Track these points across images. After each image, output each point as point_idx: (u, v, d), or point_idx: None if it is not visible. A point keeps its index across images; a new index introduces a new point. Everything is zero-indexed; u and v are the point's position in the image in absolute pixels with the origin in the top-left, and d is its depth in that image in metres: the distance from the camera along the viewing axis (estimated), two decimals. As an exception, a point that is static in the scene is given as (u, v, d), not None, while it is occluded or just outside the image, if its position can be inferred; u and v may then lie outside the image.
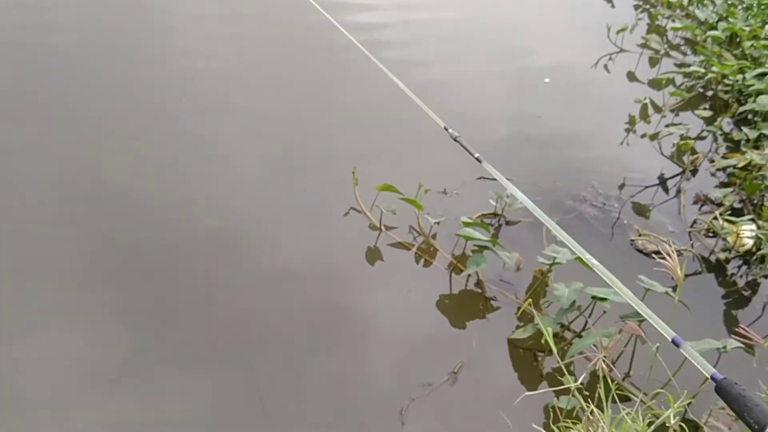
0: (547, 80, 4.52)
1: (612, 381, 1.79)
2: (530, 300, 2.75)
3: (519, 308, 2.86)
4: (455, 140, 2.27)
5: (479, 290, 2.98)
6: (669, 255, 1.93)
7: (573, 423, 1.55)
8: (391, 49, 4.70)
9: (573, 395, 1.66)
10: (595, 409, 1.47)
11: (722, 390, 1.16)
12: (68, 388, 2.36)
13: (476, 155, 2.17)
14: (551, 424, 1.68)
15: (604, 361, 1.63)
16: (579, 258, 2.69)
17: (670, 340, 1.28)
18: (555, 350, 1.93)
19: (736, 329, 2.02)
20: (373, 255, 3.13)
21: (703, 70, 4.67)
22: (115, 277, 2.81)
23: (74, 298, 2.69)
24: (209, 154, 3.58)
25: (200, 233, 3.08)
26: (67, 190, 3.20)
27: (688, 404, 2.30)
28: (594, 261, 1.53)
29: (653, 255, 3.22)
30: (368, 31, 4.85)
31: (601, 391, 1.52)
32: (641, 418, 1.46)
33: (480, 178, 3.50)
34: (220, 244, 3.03)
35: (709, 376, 1.18)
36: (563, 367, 1.85)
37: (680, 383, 2.05)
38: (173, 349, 2.55)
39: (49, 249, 2.88)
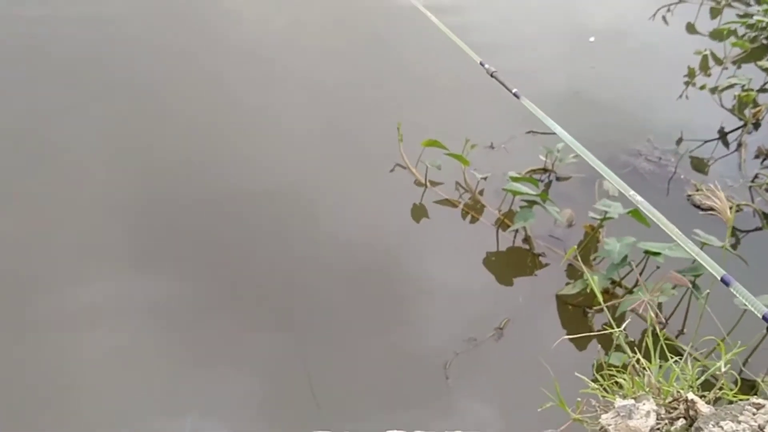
0: (592, 39, 4.34)
1: (661, 331, 1.72)
2: (577, 253, 2.67)
3: (568, 264, 2.79)
4: (491, 75, 2.18)
5: (527, 246, 2.90)
6: (717, 196, 1.82)
7: (619, 371, 1.49)
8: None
9: (618, 341, 1.59)
10: (641, 359, 1.40)
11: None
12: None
13: (514, 90, 2.09)
14: (596, 372, 1.61)
15: (650, 305, 1.55)
16: (633, 212, 2.62)
17: (719, 278, 1.20)
18: (604, 306, 1.85)
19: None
20: (418, 212, 3.08)
21: (766, 20, 4.44)
22: (169, 237, 2.84)
23: (133, 255, 2.73)
24: (262, 118, 3.57)
25: (253, 192, 3.08)
26: (124, 154, 3.22)
27: (744, 363, 2.21)
28: (638, 197, 1.44)
29: (711, 211, 3.10)
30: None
31: (649, 341, 1.45)
32: (691, 368, 1.39)
33: (530, 132, 3.40)
34: (271, 202, 3.04)
35: (761, 316, 1.10)
36: (613, 323, 1.77)
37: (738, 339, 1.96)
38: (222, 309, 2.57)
39: (110, 206, 2.93)
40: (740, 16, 4.83)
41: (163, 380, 2.30)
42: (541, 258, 2.87)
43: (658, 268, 2.55)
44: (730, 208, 2.91)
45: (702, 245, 2.48)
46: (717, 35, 4.54)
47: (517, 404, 2.15)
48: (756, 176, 3.34)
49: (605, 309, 1.88)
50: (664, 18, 4.85)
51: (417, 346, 2.48)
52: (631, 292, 2.60)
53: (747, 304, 1.12)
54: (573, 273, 2.78)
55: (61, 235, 2.76)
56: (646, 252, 2.50)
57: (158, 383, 2.29)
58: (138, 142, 3.30)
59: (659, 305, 2.41)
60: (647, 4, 4.96)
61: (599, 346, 2.25)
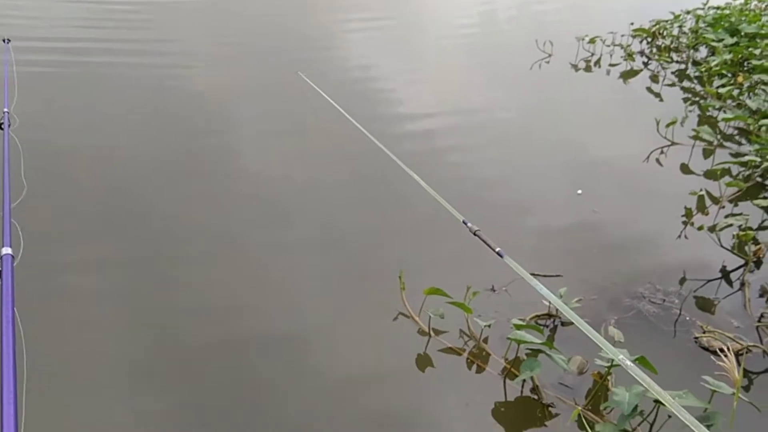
0: (579, 192, 4.44)
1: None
2: (587, 406, 2.61)
3: (579, 415, 2.71)
4: (475, 234, 2.21)
5: (536, 396, 2.84)
6: (726, 353, 1.80)
7: None
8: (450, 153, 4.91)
9: None
10: None
11: None
12: None
13: (497, 249, 2.12)
14: None
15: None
16: (641, 358, 2.59)
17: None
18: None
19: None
20: (423, 361, 3.04)
21: (759, 159, 4.55)
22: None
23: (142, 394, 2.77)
24: (268, 265, 3.67)
25: (257, 337, 3.13)
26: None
27: None
28: (628, 362, 1.42)
29: (719, 352, 3.05)
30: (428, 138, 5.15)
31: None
32: None
33: (532, 274, 3.41)
34: (274, 348, 3.06)
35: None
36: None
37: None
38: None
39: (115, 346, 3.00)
40: (733, 155, 4.96)
41: None
42: (550, 408, 2.80)
43: (669, 417, 2.49)
44: (739, 354, 2.89)
45: (712, 393, 2.44)
46: (711, 175, 4.65)
47: None
48: (762, 316, 3.31)
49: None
50: (657, 160, 4.97)
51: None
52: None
53: None
54: (584, 424, 2.70)
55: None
56: (657, 401, 2.44)
57: None
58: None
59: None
60: (641, 147, 5.11)
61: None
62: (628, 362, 1.44)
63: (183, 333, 3.13)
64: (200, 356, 3.02)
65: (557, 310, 3.23)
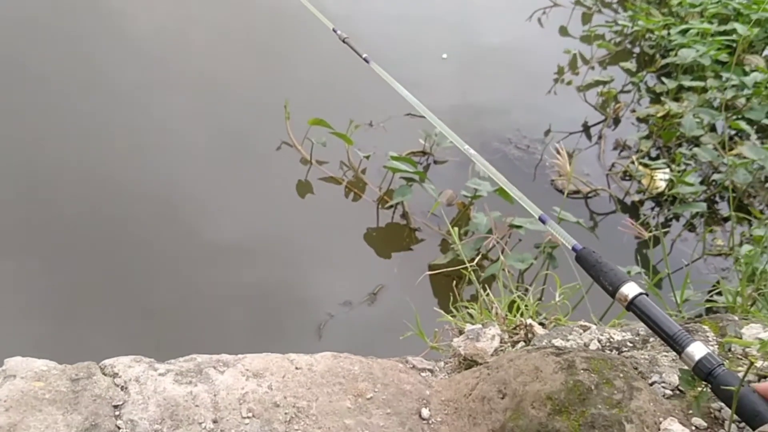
0: (444, 56, 4.53)
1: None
2: (449, 228, 2.88)
3: (442, 239, 2.99)
4: (344, 41, 2.25)
5: (405, 222, 3.09)
6: (559, 151, 2.04)
7: (470, 303, 1.69)
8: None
9: (469, 275, 1.79)
10: (490, 293, 1.61)
11: (581, 258, 1.29)
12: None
13: (364, 56, 2.17)
14: (452, 306, 1.81)
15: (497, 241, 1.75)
16: (499, 190, 2.86)
17: (537, 217, 1.40)
18: (472, 274, 2.05)
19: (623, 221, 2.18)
20: (303, 188, 3.21)
21: (630, 24, 4.84)
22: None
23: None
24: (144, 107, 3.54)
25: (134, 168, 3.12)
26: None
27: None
28: (472, 151, 1.62)
29: (571, 195, 3.41)
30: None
31: (499, 282, 1.66)
32: (532, 301, 1.60)
33: (408, 114, 3.58)
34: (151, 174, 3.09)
35: (570, 247, 1.31)
36: (479, 290, 1.96)
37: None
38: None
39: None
40: (608, 23, 5.22)
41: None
42: (417, 233, 3.06)
43: (520, 240, 2.80)
44: (588, 196, 3.22)
45: (559, 221, 2.75)
46: (586, 39, 4.90)
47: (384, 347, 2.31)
48: (612, 165, 3.67)
49: (473, 278, 2.06)
50: (539, 20, 5.17)
51: (294, 308, 2.62)
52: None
53: (561, 239, 1.32)
54: (446, 247, 2.99)
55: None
56: (511, 225, 2.74)
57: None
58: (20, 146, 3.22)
59: (521, 272, 2.64)
60: (524, 4, 5.26)
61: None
62: (472, 151, 1.62)
63: (60, 201, 3.01)
64: (75, 223, 2.93)
65: (431, 148, 3.45)
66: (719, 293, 2.20)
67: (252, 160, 3.32)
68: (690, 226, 3.36)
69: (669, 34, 4.53)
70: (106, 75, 3.62)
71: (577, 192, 3.45)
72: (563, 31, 5.05)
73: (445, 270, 2.79)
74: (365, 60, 2.08)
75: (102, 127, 3.30)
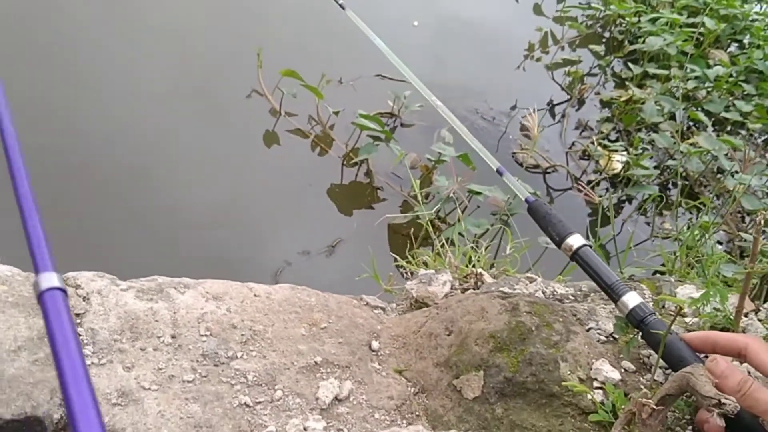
0: (415, 23, 4.56)
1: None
2: (411, 189, 2.94)
3: (404, 200, 3.06)
4: None
5: (368, 180, 3.15)
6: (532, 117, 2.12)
7: (425, 251, 1.76)
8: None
9: (427, 225, 1.87)
10: (445, 244, 1.68)
11: (533, 210, 1.37)
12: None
13: (340, 2, 2.17)
14: (407, 252, 1.88)
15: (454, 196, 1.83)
16: (463, 156, 2.93)
17: (495, 169, 1.47)
18: (429, 225, 2.12)
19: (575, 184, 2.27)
20: (270, 138, 3.24)
21: (602, 8, 4.92)
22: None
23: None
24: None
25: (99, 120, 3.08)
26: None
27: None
28: (438, 102, 1.67)
29: (530, 169, 3.50)
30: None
31: (454, 235, 1.73)
32: (484, 252, 1.68)
33: (378, 75, 3.62)
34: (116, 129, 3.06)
35: (523, 198, 1.38)
36: (435, 239, 2.03)
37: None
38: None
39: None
40: (581, 5, 5.29)
41: None
42: (379, 192, 3.12)
43: (478, 207, 2.88)
44: (547, 171, 3.31)
45: (515, 196, 2.83)
46: (559, 19, 4.97)
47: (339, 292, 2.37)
48: (573, 144, 3.76)
49: (433, 236, 2.14)
50: (516, -2, 5.23)
51: (252, 254, 2.66)
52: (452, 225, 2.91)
53: (515, 190, 1.40)
54: (407, 208, 3.05)
55: None
56: (470, 191, 2.81)
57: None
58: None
59: (476, 236, 2.72)
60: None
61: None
62: (438, 102, 1.68)
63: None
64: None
65: (399, 110, 3.50)
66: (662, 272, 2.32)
67: (221, 107, 3.33)
68: (642, 209, 3.48)
69: (639, 21, 4.63)
70: (70, 16, 3.57)
71: (537, 166, 3.54)
72: (537, 9, 5.12)
73: (403, 229, 2.87)
74: (341, 6, 2.10)
75: (64, 70, 3.25)
